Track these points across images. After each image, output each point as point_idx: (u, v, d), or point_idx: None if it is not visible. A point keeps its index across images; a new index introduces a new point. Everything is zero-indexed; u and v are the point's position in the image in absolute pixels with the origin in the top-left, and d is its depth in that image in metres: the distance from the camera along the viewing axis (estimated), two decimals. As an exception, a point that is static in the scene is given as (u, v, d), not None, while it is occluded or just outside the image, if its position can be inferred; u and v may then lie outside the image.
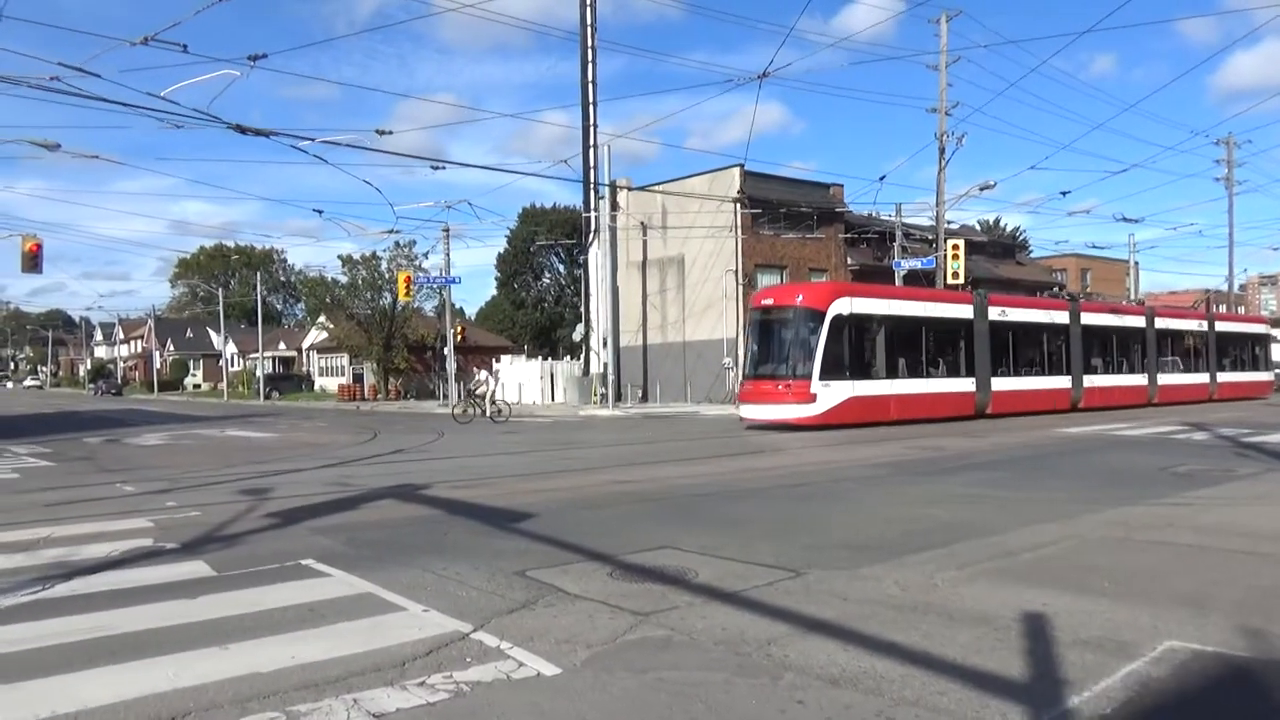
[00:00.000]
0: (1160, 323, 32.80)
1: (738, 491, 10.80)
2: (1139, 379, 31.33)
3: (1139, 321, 31.98)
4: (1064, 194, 65.88)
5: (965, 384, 24.85)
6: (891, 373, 22.86)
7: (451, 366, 40.01)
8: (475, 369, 38.55)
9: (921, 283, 32.54)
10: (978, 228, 64.65)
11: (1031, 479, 11.79)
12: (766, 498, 10.32)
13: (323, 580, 6.18)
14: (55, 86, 12.78)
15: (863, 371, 22.14)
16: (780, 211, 38.21)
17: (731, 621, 5.13)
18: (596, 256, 37.18)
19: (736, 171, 37.25)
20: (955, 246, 32.87)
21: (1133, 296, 48.87)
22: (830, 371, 21.17)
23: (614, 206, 38.16)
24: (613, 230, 37.14)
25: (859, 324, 22.06)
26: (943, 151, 33.38)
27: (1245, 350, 37.77)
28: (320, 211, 60.61)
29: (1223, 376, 35.34)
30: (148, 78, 77.43)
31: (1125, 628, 4.87)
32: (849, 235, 41.69)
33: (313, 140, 14.85)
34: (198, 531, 8.06)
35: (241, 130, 13.22)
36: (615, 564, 6.64)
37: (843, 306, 21.60)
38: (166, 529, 8.23)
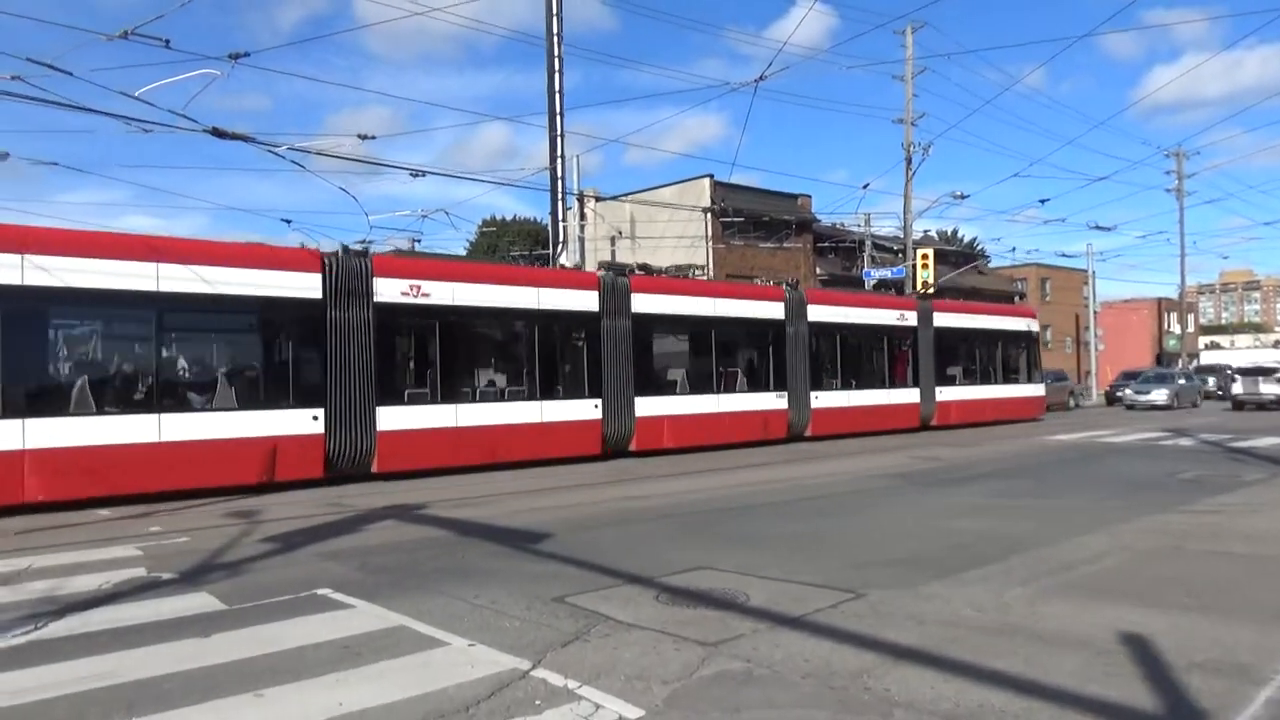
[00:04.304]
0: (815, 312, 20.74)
1: (748, 506, 10.42)
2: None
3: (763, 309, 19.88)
4: (1043, 202, 65.95)
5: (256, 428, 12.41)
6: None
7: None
8: None
9: (891, 293, 32.22)
10: (936, 238, 65.30)
11: (1045, 488, 11.57)
12: (781, 512, 9.96)
13: (347, 613, 5.66)
14: (15, 90, 11.88)
15: None
16: (751, 222, 38.12)
17: (810, 650, 4.74)
18: (565, 267, 36.75)
19: (706, 182, 37.09)
20: (925, 256, 33.01)
21: (1092, 306, 49.65)
22: None
23: (582, 216, 37.78)
24: (582, 241, 36.73)
25: None
26: (909, 162, 33.52)
27: (994, 356, 26.07)
28: (289, 221, 58.92)
29: (948, 393, 23.94)
30: (116, 77, 75.18)
31: (1236, 648, 4.58)
32: (820, 245, 41.77)
33: (289, 147, 14.23)
34: (193, 560, 7.45)
35: (220, 134, 12.49)
36: (657, 587, 6.22)
37: None
38: (158, 558, 7.61)
